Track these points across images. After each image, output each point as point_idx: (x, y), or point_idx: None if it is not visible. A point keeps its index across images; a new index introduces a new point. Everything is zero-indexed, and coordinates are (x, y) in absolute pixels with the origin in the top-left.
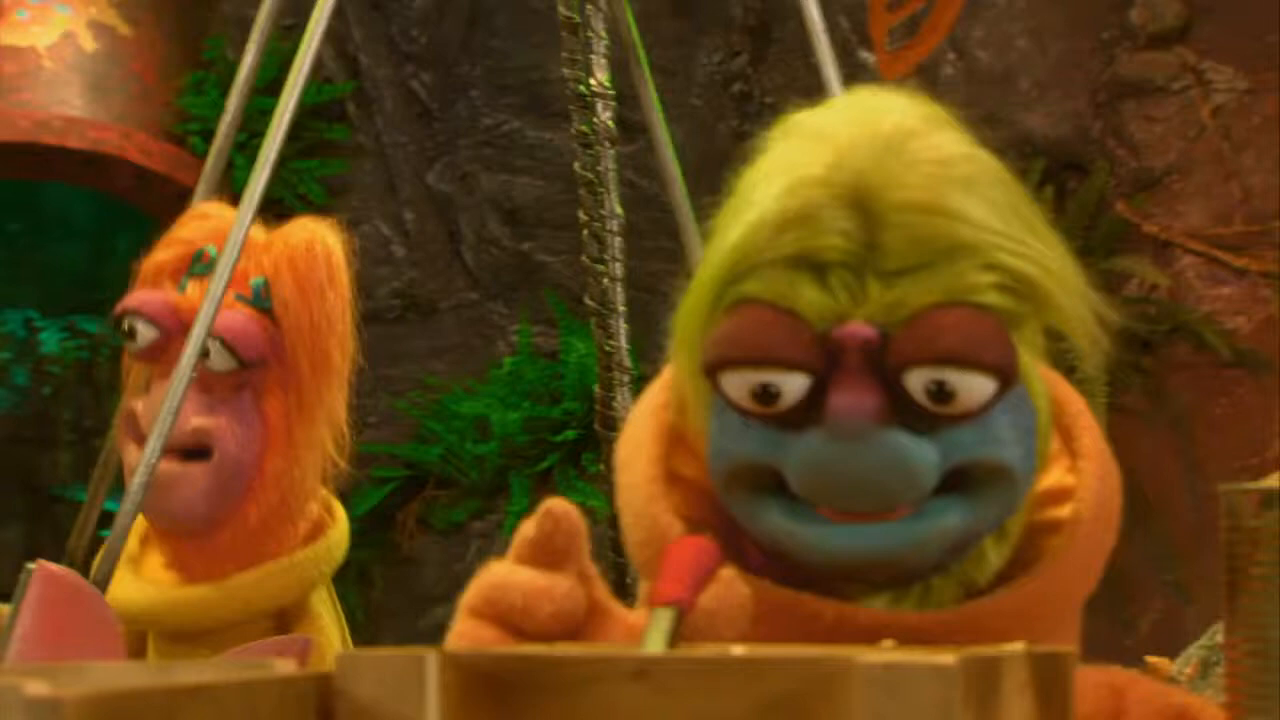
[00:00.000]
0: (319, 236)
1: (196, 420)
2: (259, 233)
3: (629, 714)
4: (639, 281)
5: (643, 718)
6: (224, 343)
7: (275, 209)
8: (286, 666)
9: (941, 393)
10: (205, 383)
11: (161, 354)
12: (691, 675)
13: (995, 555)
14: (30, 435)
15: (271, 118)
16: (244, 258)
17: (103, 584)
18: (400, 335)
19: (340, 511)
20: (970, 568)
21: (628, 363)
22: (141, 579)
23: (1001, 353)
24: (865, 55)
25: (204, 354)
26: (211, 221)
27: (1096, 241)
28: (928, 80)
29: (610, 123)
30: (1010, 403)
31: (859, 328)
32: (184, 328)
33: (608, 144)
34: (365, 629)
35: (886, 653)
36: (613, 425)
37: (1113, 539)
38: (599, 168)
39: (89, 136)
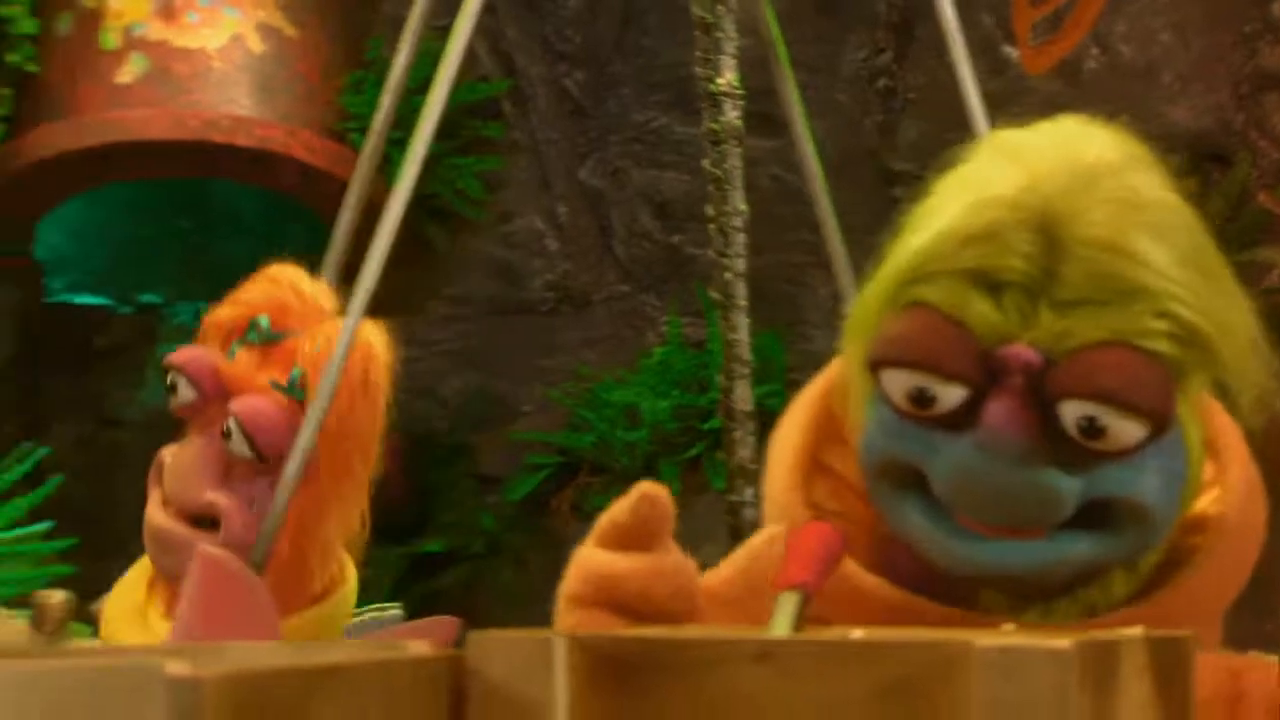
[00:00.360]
0: (364, 341)
1: (210, 494)
2: (299, 305)
3: (751, 696)
4: (783, 274)
5: (764, 699)
6: (243, 431)
7: (433, 203)
8: (420, 648)
9: (1092, 428)
10: (228, 459)
11: (198, 415)
12: (812, 658)
13: (1122, 586)
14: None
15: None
16: (286, 324)
17: (258, 567)
18: (554, 326)
19: (351, 570)
20: (1095, 593)
21: (747, 355)
22: (148, 629)
23: (1159, 400)
24: (1009, 51)
25: (226, 435)
26: (279, 288)
27: (1238, 232)
28: (1070, 75)
29: (738, 121)
30: (1163, 447)
31: (1024, 350)
32: (222, 393)
33: (734, 142)
34: (520, 611)
35: (1003, 636)
36: (733, 416)
37: (1254, 555)
38: (726, 165)
39: (256, 135)
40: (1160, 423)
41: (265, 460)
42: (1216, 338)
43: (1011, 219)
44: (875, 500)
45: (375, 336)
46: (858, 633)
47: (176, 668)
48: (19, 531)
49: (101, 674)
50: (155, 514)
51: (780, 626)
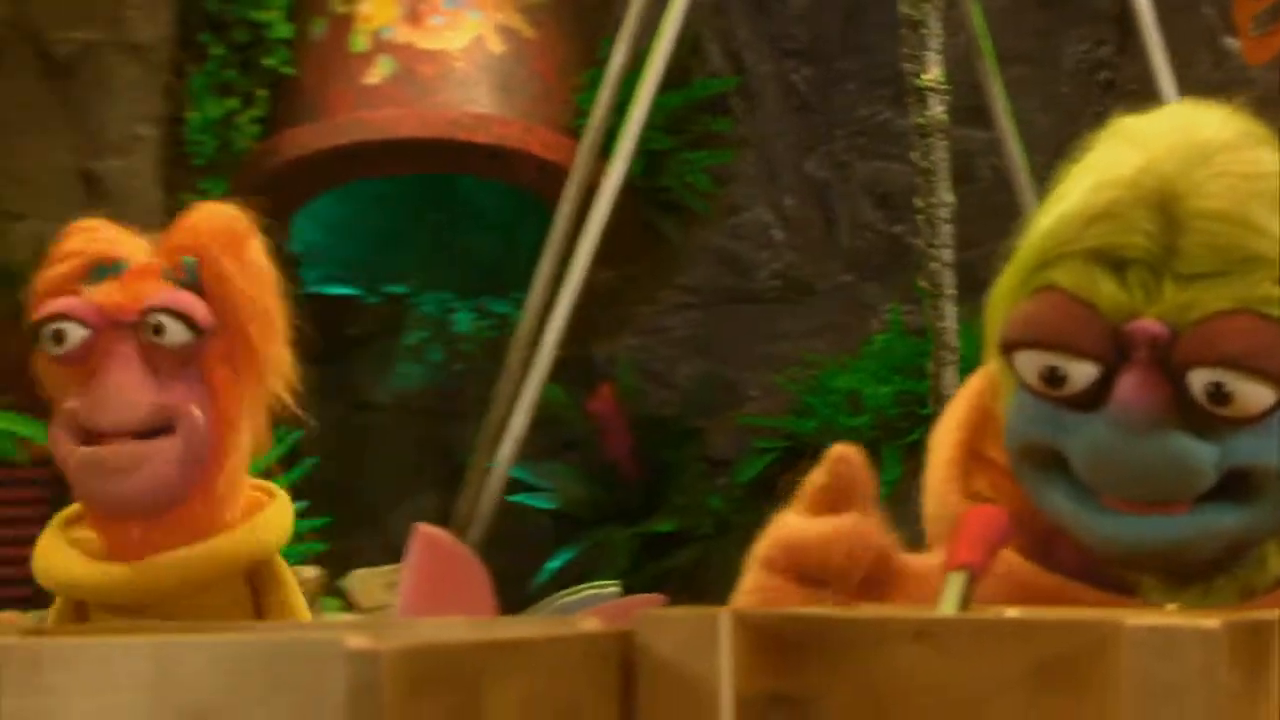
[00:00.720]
0: (235, 215)
1: (153, 398)
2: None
3: (910, 673)
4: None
5: (923, 677)
6: (178, 315)
7: (664, 197)
8: (592, 624)
9: (1220, 394)
10: (151, 362)
11: (89, 354)
12: (970, 637)
13: (1277, 562)
14: (444, 409)
15: (636, 109)
16: (161, 246)
17: (474, 545)
18: (779, 315)
19: (281, 497)
20: (1252, 573)
21: (955, 342)
22: (94, 560)
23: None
24: (1229, 41)
25: (156, 331)
26: (97, 232)
27: None
28: None
29: (943, 115)
30: None
31: (1150, 324)
32: (110, 320)
33: (940, 135)
34: None
35: (1153, 616)
36: (941, 401)
37: None
38: (932, 157)
39: (495, 132)
40: None
41: (201, 334)
42: None
43: (1131, 198)
44: (1023, 484)
45: (244, 216)
46: (1013, 612)
47: (356, 641)
48: None
49: (285, 646)
50: (79, 450)
51: (947, 606)
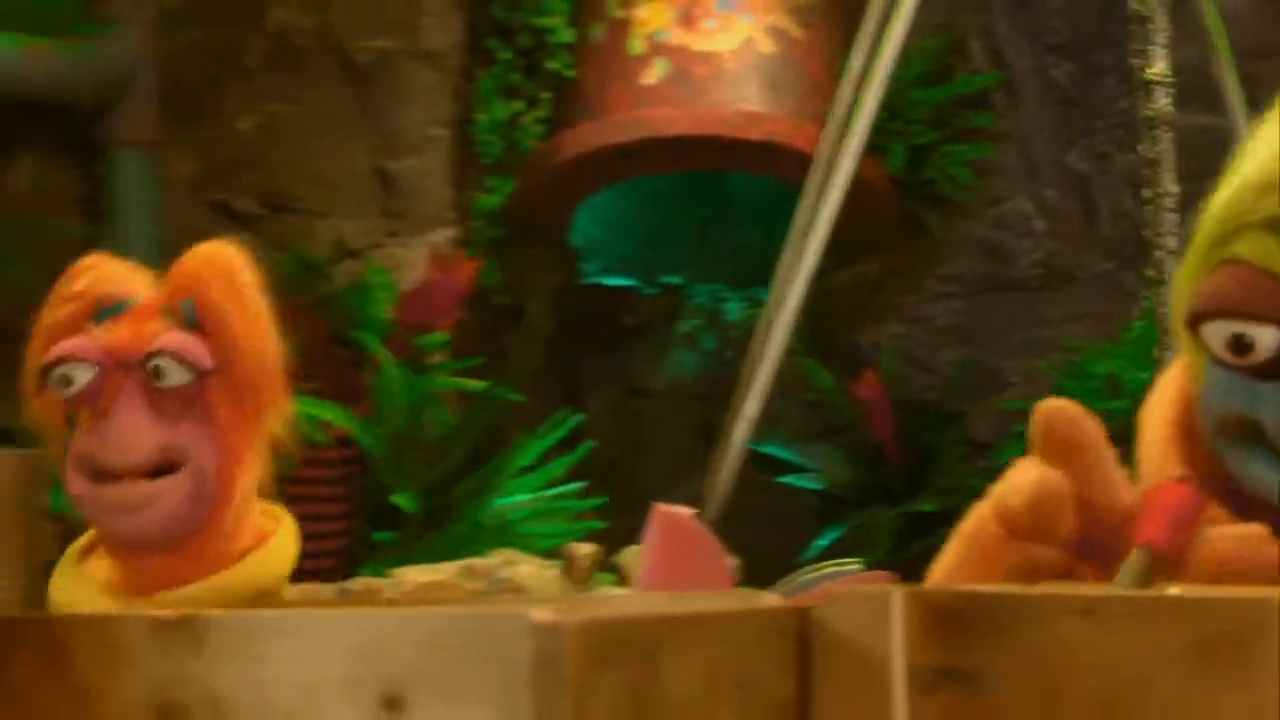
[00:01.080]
0: (229, 253)
1: (160, 438)
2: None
3: (1075, 648)
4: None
5: (1088, 652)
6: (177, 357)
7: (928, 189)
8: (771, 600)
9: None
10: (156, 402)
11: (99, 393)
12: (1133, 613)
13: None
14: (716, 394)
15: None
16: (163, 286)
17: (711, 523)
18: (1040, 302)
19: (287, 523)
20: None
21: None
22: (114, 594)
23: None
24: None
25: (156, 374)
26: (101, 270)
27: None
28: None
29: (1169, 107)
30: None
31: None
32: (118, 362)
33: (1165, 127)
34: None
35: None
36: None
37: None
38: (1158, 149)
39: (765, 129)
40: None
41: (202, 375)
42: None
43: None
44: (1221, 457)
45: (238, 253)
46: (1175, 590)
47: (540, 614)
48: (557, 490)
49: (475, 619)
50: (93, 490)
51: (1125, 582)
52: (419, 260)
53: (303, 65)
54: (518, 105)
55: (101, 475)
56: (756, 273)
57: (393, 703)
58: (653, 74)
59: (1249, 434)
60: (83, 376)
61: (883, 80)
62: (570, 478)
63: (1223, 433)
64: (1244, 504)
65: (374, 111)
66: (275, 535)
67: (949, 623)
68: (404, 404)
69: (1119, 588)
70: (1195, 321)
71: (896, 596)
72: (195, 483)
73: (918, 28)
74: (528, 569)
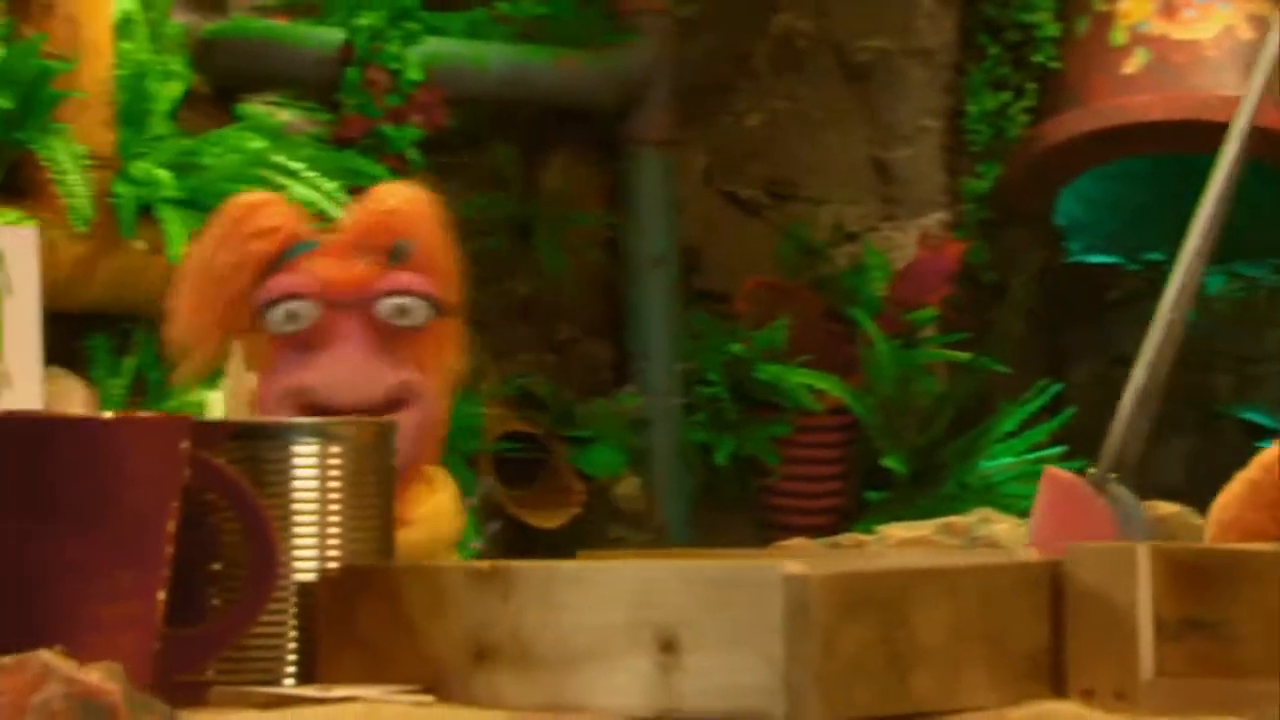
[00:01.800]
0: (428, 195)
1: (391, 377)
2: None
3: None
4: None
5: None
6: (423, 296)
7: None
8: (1024, 554)
9: None
10: (381, 343)
11: (318, 331)
12: None
13: None
14: (1196, 361)
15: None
16: (356, 224)
17: (1098, 485)
18: None
19: (443, 474)
20: None
21: None
22: None
23: None
24: None
25: (400, 312)
26: (284, 208)
27: None
28: None
29: None
30: None
31: None
32: (335, 301)
33: None
34: None
35: None
36: None
37: None
38: None
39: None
40: None
41: (441, 314)
42: None
43: None
44: None
45: (434, 203)
46: None
47: (792, 567)
48: (1039, 454)
49: (736, 571)
50: None
51: None
52: (912, 242)
53: (804, 65)
54: (1005, 96)
55: (321, 413)
56: (1236, 248)
57: (668, 645)
58: (1133, 63)
59: None
60: (309, 313)
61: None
62: (1052, 443)
63: None
64: None
65: (870, 105)
66: (440, 495)
67: (1191, 577)
68: (893, 374)
69: None
70: None
71: (1143, 552)
72: (422, 420)
73: None
74: (1003, 527)
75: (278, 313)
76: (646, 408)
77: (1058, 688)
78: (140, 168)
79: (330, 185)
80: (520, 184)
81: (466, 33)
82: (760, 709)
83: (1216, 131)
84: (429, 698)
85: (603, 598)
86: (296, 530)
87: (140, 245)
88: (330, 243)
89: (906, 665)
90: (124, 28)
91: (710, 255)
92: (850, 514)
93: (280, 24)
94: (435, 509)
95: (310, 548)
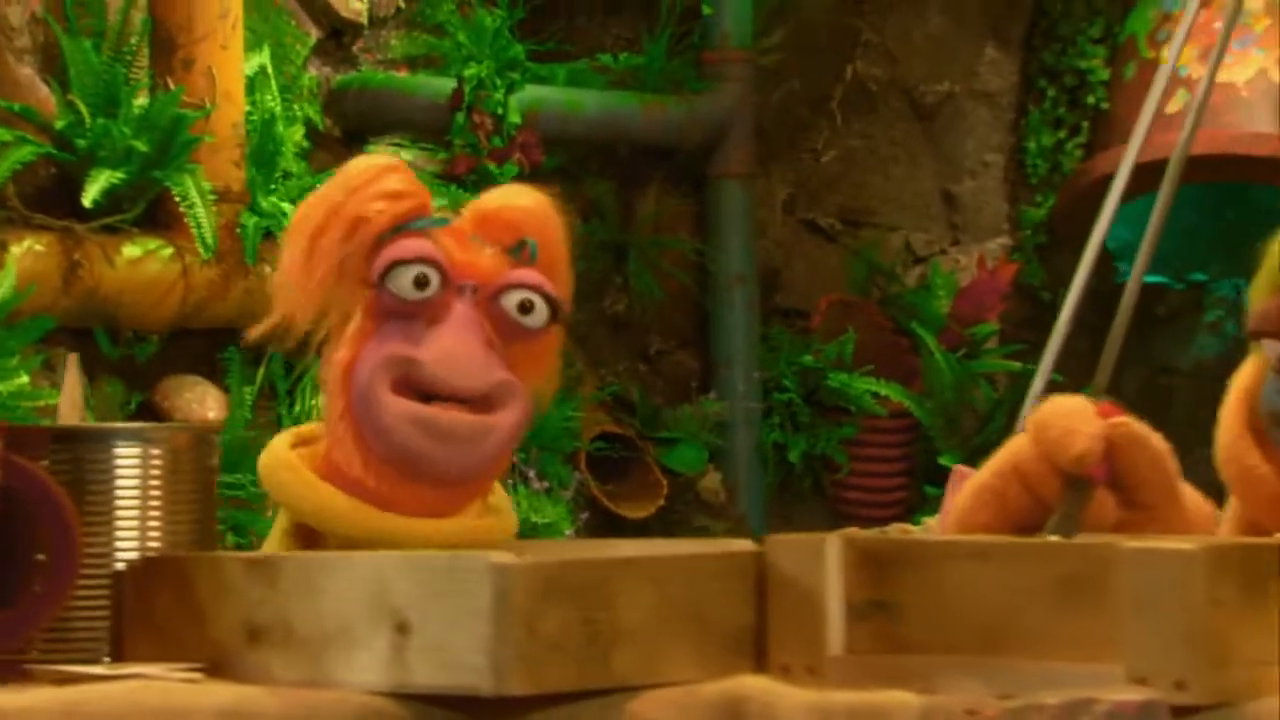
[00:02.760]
0: (554, 201)
1: (499, 374)
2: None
3: (968, 584)
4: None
5: (977, 587)
6: (549, 299)
7: None
8: (733, 545)
9: None
10: (497, 337)
11: (428, 308)
12: (1012, 556)
13: None
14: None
15: None
16: (478, 215)
17: None
18: None
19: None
20: None
21: None
22: (359, 504)
23: None
24: None
25: (523, 308)
26: (412, 176)
27: None
28: None
29: None
30: None
31: None
32: (456, 282)
33: None
34: None
35: (1145, 539)
36: None
37: None
38: None
39: (1272, 146)
40: None
41: (557, 321)
42: None
43: None
44: (1275, 443)
45: (559, 209)
46: (1053, 538)
47: (499, 558)
48: None
49: (454, 560)
50: (416, 406)
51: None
52: (975, 264)
53: (877, 107)
54: (1061, 134)
55: (418, 389)
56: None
57: (401, 627)
58: (1175, 103)
59: None
60: (435, 283)
61: None
62: None
63: (1275, 426)
64: None
65: (937, 142)
66: (496, 496)
67: (875, 563)
68: (950, 382)
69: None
70: (1255, 336)
71: (833, 542)
72: (517, 425)
73: None
74: None
75: (406, 275)
76: (727, 412)
77: (760, 664)
78: (268, 201)
79: None
80: (616, 213)
81: (567, 81)
82: (473, 684)
83: (1250, 164)
84: (199, 675)
85: (350, 585)
86: (119, 525)
87: (266, 269)
88: (454, 229)
89: (608, 644)
90: (258, 79)
91: (789, 276)
92: (913, 507)
93: (400, 75)
94: (507, 510)
95: (131, 541)
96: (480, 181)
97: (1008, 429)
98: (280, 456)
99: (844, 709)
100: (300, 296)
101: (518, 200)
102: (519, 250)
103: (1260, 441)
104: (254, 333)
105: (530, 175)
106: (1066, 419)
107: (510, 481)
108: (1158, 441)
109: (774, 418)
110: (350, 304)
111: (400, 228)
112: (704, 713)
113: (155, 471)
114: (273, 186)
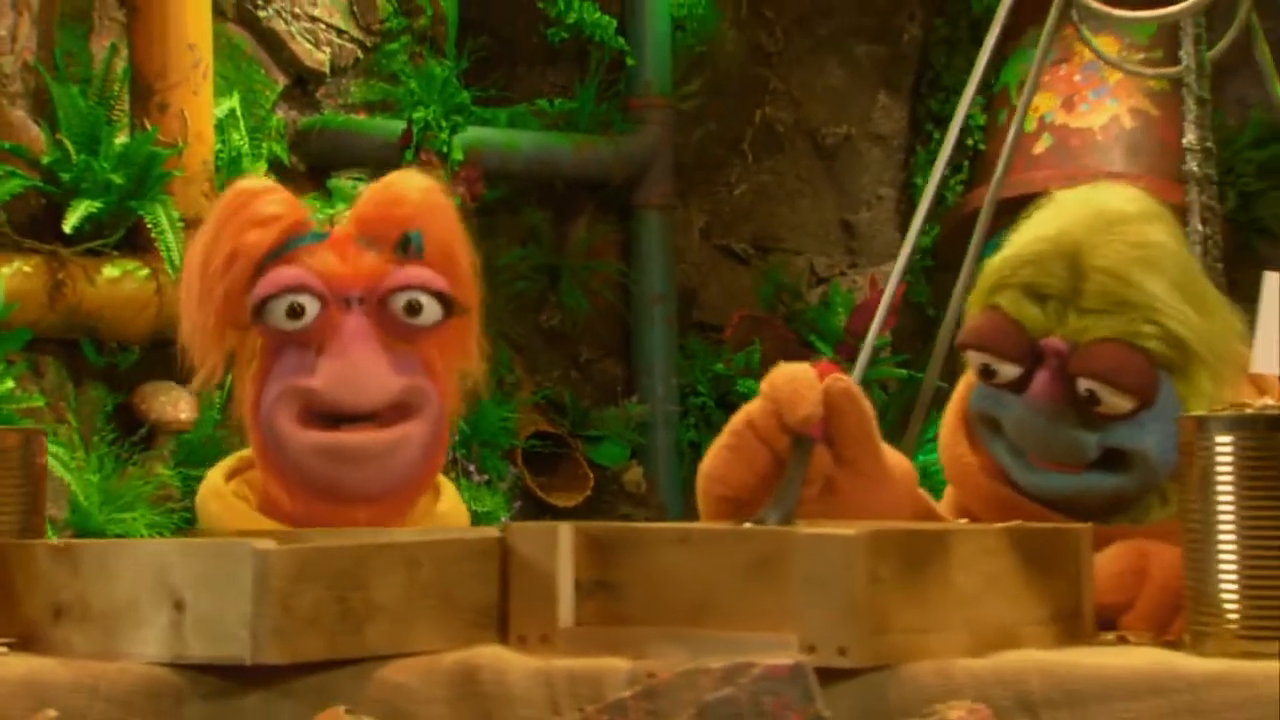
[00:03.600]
0: (437, 184)
1: (402, 381)
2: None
3: (674, 564)
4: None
5: (680, 566)
6: (435, 293)
7: (1257, 224)
8: (472, 532)
9: (1094, 398)
10: (388, 343)
11: (321, 329)
12: (711, 541)
13: (1160, 513)
14: None
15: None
16: (359, 215)
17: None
18: None
19: (445, 479)
20: (1139, 513)
21: None
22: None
23: (1140, 380)
24: None
25: (410, 309)
26: (283, 194)
27: None
28: None
29: None
30: (1158, 414)
31: (1057, 342)
32: (342, 296)
33: None
34: None
35: (819, 525)
36: None
37: None
38: None
39: (1122, 183)
40: (1144, 397)
41: (454, 315)
42: (1195, 344)
43: (1052, 251)
44: (982, 441)
45: (443, 191)
46: (747, 525)
47: (260, 544)
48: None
49: (223, 546)
50: (320, 435)
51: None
52: (869, 285)
53: (783, 147)
54: (945, 171)
55: (323, 417)
56: None
57: (179, 605)
58: (1040, 146)
59: (996, 427)
60: (311, 309)
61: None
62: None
63: (981, 424)
64: (1001, 476)
65: (837, 178)
66: (443, 496)
67: (599, 548)
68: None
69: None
70: (962, 348)
71: (564, 530)
72: (432, 430)
73: (1246, 108)
74: None
75: (278, 307)
76: (648, 413)
77: (501, 635)
78: None
79: None
80: (551, 240)
81: (508, 123)
82: (236, 654)
83: None
84: (4, 650)
85: (137, 568)
86: None
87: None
88: (336, 238)
89: (361, 619)
90: (228, 121)
91: (705, 294)
92: None
93: (358, 117)
94: (449, 511)
95: None
96: None
97: (900, 426)
98: (212, 485)
99: (564, 674)
100: (205, 340)
101: (397, 193)
102: (404, 247)
103: (970, 436)
104: (194, 386)
105: (473, 206)
106: (793, 385)
107: (452, 475)
108: (865, 403)
109: (689, 419)
110: (253, 339)
111: (277, 252)
112: (444, 677)
113: None
114: None
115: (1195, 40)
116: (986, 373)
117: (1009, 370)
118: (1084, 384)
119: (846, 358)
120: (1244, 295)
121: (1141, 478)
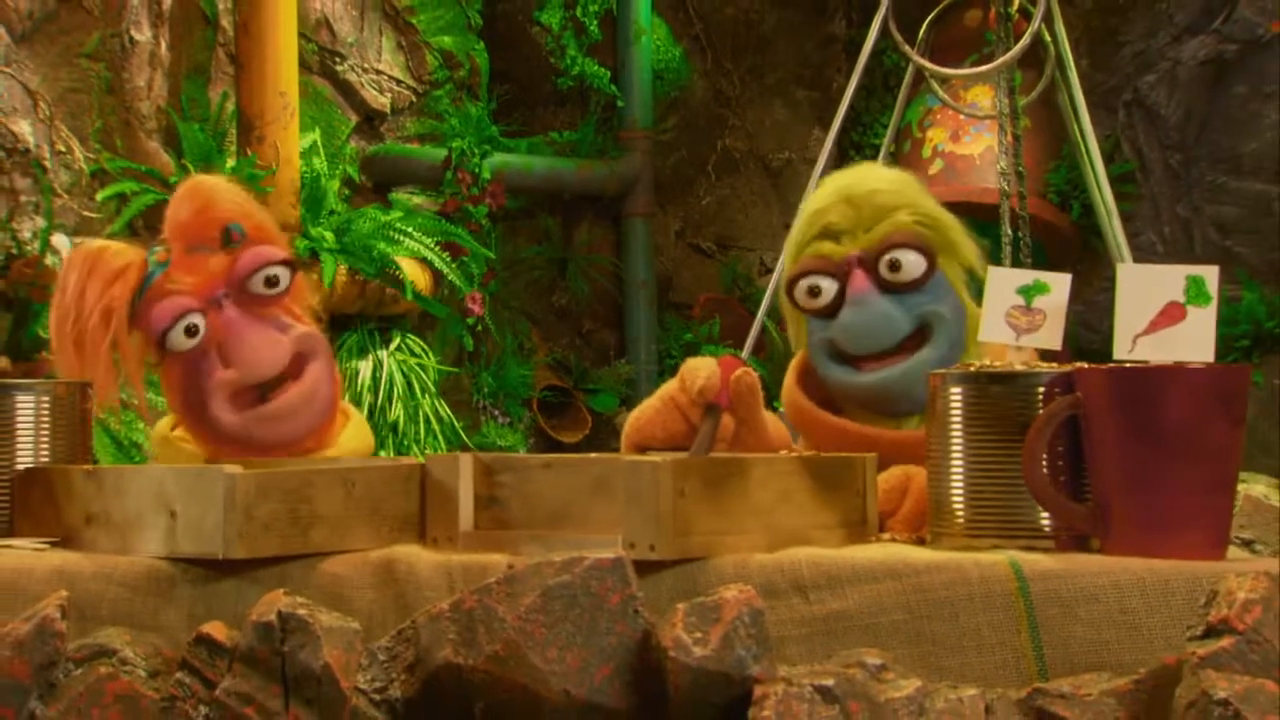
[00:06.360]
0: (221, 179)
1: (289, 337)
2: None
3: (543, 483)
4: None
5: (547, 485)
6: (284, 263)
7: (1096, 229)
8: (399, 461)
9: (894, 265)
10: (264, 314)
11: (213, 331)
12: (568, 466)
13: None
14: None
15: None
16: (190, 225)
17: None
18: None
19: (355, 410)
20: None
21: None
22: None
23: (924, 244)
24: None
25: (269, 283)
26: (121, 245)
27: None
28: None
29: None
30: (940, 284)
31: (856, 252)
32: (209, 299)
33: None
34: None
35: (642, 457)
36: None
37: None
38: None
39: (994, 198)
40: (929, 255)
41: (299, 271)
42: (945, 225)
43: (833, 199)
44: (820, 372)
45: (239, 186)
46: (593, 456)
47: (229, 469)
48: None
49: (199, 471)
50: (253, 410)
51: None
52: None
53: (739, 169)
54: None
55: (249, 393)
56: None
57: (172, 515)
58: (934, 168)
59: (832, 351)
60: (201, 321)
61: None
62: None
63: (819, 352)
64: (836, 411)
65: (782, 193)
66: (349, 424)
67: (490, 471)
68: (783, 352)
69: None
70: (790, 286)
71: (465, 459)
72: (328, 366)
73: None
74: None
75: (177, 334)
76: (634, 372)
77: (420, 538)
78: (314, 230)
79: (429, 240)
80: (559, 239)
81: (527, 150)
82: (212, 551)
83: (980, 209)
84: (46, 546)
85: (143, 487)
86: (19, 447)
87: (313, 277)
88: (175, 257)
89: (307, 525)
90: (311, 150)
91: (679, 281)
92: None
93: (412, 146)
94: (350, 435)
95: (26, 458)
96: (463, 218)
97: (776, 386)
98: (160, 434)
99: (460, 566)
100: (97, 376)
101: (204, 198)
102: (230, 240)
103: (804, 386)
104: (97, 409)
105: (497, 213)
106: (697, 366)
107: (483, 418)
108: (758, 388)
109: (665, 376)
110: (140, 350)
111: (140, 292)
112: (370, 569)
113: (44, 411)
114: (320, 221)
115: (1009, 91)
116: (813, 293)
117: (829, 285)
118: (885, 259)
119: (786, 331)
120: (1083, 282)
121: (947, 345)
